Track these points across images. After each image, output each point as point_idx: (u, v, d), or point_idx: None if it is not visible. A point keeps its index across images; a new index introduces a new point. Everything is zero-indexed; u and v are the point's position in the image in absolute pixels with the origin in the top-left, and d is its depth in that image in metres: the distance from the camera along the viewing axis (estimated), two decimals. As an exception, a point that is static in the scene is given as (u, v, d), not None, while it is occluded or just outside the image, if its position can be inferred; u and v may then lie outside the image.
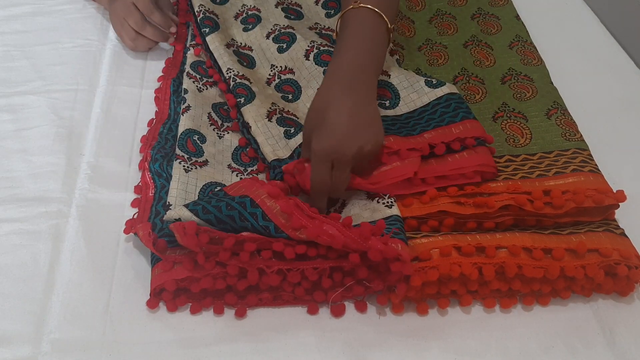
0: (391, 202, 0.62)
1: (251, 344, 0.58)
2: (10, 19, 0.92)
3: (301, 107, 0.74)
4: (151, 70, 0.85)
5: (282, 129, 0.70)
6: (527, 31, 0.87)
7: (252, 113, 0.71)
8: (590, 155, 0.69)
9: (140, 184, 0.69)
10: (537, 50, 0.84)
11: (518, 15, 0.90)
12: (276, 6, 0.87)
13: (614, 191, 0.64)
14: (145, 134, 0.75)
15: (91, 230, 0.66)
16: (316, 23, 0.85)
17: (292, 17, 0.85)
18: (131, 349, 0.57)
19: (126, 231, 0.64)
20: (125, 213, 0.67)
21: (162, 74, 0.83)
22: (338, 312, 0.60)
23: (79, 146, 0.74)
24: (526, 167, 0.67)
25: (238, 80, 0.75)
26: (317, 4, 0.88)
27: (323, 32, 0.83)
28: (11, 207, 0.68)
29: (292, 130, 0.70)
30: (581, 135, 0.71)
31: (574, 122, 0.73)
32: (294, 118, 0.72)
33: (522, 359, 0.57)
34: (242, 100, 0.72)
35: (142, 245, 0.64)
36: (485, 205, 0.62)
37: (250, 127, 0.70)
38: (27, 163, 0.72)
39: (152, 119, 0.77)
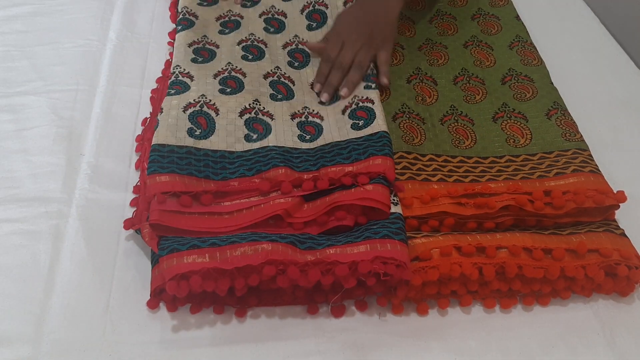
0: (396, 200, 0.62)
1: (251, 343, 0.58)
2: (10, 19, 0.92)
3: (232, 103, 0.72)
4: (151, 70, 0.85)
5: (189, 125, 0.68)
6: (527, 31, 0.87)
7: (167, 102, 0.70)
8: (591, 155, 0.69)
9: (139, 183, 0.69)
10: (537, 50, 0.84)
11: (518, 16, 0.90)
12: (260, 16, 0.87)
13: (614, 191, 0.64)
14: (140, 133, 0.75)
15: (91, 230, 0.66)
16: (295, 36, 0.84)
17: (271, 29, 0.85)
18: (131, 349, 0.57)
19: (126, 227, 0.64)
20: (125, 213, 0.67)
21: (161, 74, 0.83)
22: (338, 312, 0.60)
23: (79, 146, 0.74)
24: (527, 168, 0.67)
25: (180, 77, 0.74)
26: (302, 13, 0.88)
27: (299, 46, 0.83)
28: (11, 207, 0.67)
29: (199, 132, 0.68)
30: (581, 136, 0.71)
31: (574, 122, 0.73)
32: (210, 113, 0.70)
33: (522, 359, 0.57)
34: (172, 91, 0.72)
35: (142, 245, 0.64)
36: (486, 206, 0.62)
37: (162, 110, 0.69)
38: (27, 163, 0.72)
39: (146, 118, 0.77)
